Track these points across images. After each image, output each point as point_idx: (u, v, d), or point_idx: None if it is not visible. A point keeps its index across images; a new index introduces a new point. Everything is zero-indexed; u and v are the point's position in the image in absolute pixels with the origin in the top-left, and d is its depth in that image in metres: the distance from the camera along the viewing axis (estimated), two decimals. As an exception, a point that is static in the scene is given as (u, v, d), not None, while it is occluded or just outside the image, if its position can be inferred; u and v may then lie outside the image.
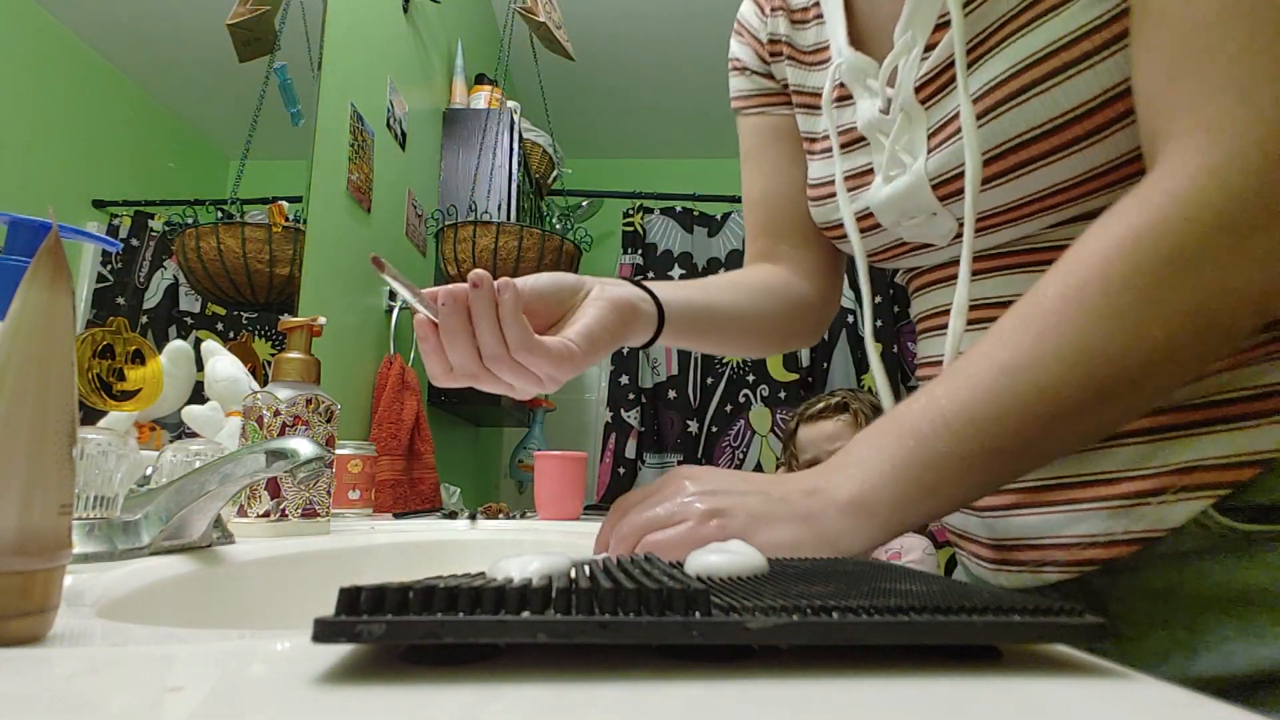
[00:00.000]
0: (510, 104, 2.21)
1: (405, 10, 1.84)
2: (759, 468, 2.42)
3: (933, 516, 0.38)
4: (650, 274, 2.58)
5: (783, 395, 2.44)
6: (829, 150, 0.55)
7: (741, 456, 2.45)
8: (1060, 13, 0.39)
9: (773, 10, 0.62)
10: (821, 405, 1.67)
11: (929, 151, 0.46)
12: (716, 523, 0.37)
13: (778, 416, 2.43)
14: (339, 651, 0.20)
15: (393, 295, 1.71)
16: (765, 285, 0.64)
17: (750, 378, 2.48)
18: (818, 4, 0.57)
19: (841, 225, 0.55)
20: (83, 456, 0.51)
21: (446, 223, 1.66)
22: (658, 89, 3.26)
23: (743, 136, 0.67)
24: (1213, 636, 0.40)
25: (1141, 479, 0.42)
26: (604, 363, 2.68)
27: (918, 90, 0.46)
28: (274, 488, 0.69)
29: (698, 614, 0.19)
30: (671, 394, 2.45)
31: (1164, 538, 0.41)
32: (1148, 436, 0.42)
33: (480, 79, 2.30)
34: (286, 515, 0.70)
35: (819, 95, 0.57)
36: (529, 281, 0.51)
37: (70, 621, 0.28)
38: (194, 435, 0.77)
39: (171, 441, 0.68)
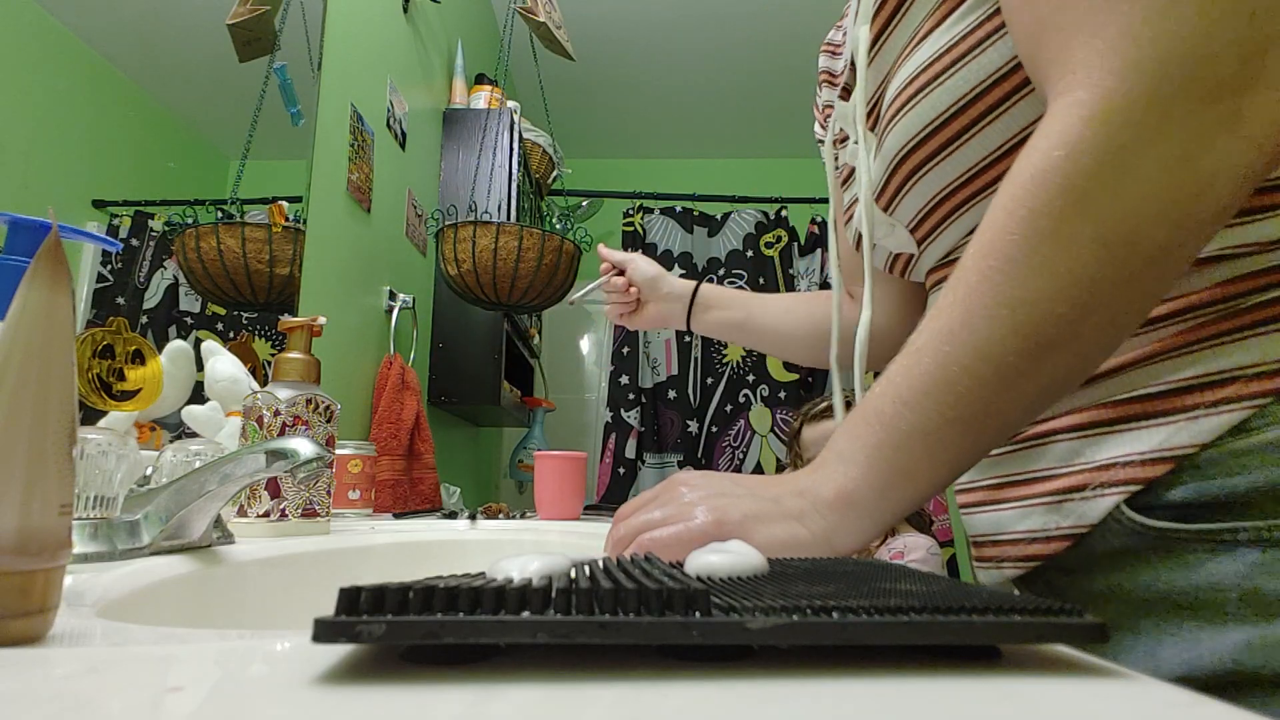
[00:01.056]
0: (510, 104, 2.21)
1: (405, 10, 1.84)
2: (759, 468, 2.42)
3: (916, 501, 0.38)
4: (650, 274, 2.58)
5: (783, 395, 2.44)
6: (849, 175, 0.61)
7: (741, 456, 2.45)
8: (940, 26, 0.43)
9: (821, 83, 0.69)
10: (825, 405, 1.67)
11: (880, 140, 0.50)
12: (714, 519, 0.38)
13: (778, 416, 2.43)
14: (339, 651, 0.20)
15: (393, 295, 1.71)
16: (812, 315, 0.79)
17: (750, 378, 2.48)
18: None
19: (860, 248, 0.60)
20: (83, 456, 0.51)
21: (446, 223, 1.66)
22: (658, 89, 3.26)
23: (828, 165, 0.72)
24: (1149, 639, 0.39)
25: (1069, 475, 0.42)
26: (604, 363, 2.69)
27: (868, 119, 0.51)
28: (274, 488, 0.69)
29: (698, 614, 0.19)
30: (671, 394, 2.45)
31: (1091, 534, 0.41)
32: (1077, 433, 0.42)
33: (480, 79, 2.30)
34: (286, 515, 0.70)
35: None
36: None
37: (70, 621, 0.28)
38: (194, 435, 0.77)
39: (171, 441, 0.68)
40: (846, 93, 0.58)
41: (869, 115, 0.51)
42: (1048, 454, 0.43)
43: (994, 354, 0.34)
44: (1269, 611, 0.34)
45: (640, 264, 0.89)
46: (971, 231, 0.45)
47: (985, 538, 0.48)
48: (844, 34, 0.62)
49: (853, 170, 0.57)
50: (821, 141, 0.69)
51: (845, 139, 0.59)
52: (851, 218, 0.59)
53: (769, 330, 0.83)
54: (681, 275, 2.55)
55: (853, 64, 0.55)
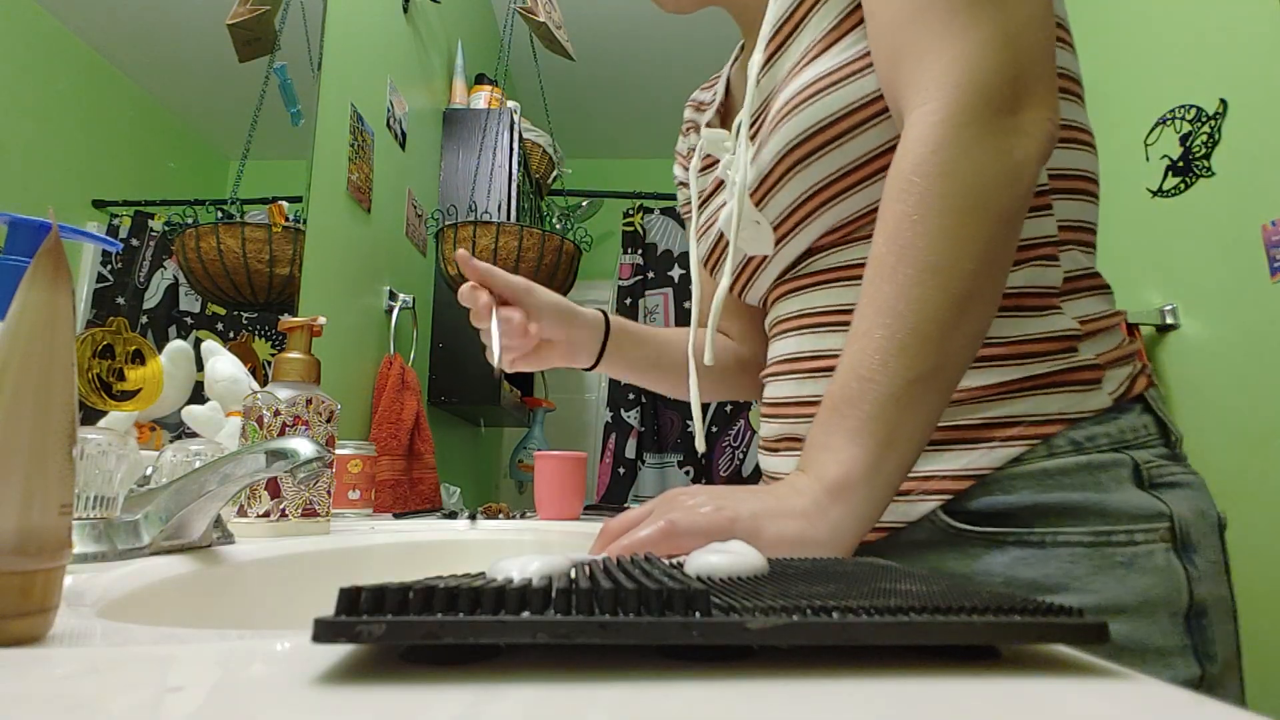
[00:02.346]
0: (510, 104, 2.22)
1: (405, 10, 1.84)
2: (758, 467, 2.42)
3: (903, 469, 0.41)
4: (650, 273, 2.58)
5: (783, 395, 2.44)
6: (707, 203, 0.68)
7: (742, 456, 2.45)
8: (826, 53, 0.52)
9: (688, 131, 0.75)
10: None
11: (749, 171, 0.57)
12: (727, 516, 0.39)
13: (778, 416, 2.42)
14: (339, 651, 0.20)
15: (393, 295, 1.71)
16: (725, 346, 0.78)
17: (750, 378, 2.48)
18: (711, 106, 0.71)
19: (716, 257, 0.66)
20: (83, 456, 0.51)
21: (446, 223, 1.66)
22: (658, 89, 3.26)
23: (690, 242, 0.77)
24: None
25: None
26: (604, 363, 2.68)
27: (750, 129, 0.58)
28: (274, 488, 0.69)
29: (698, 614, 0.19)
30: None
31: (904, 529, 0.51)
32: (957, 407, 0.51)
33: (480, 79, 2.30)
34: (286, 515, 0.70)
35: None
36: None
37: (70, 621, 0.28)
38: (194, 435, 0.77)
39: (171, 441, 0.68)
40: (721, 120, 0.69)
41: (752, 125, 0.58)
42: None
43: (931, 313, 0.41)
44: (1022, 591, 0.46)
45: (539, 291, 0.69)
46: (829, 231, 0.54)
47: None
48: (714, 93, 0.71)
49: (718, 186, 0.65)
50: (683, 184, 0.76)
51: (711, 164, 0.67)
52: (710, 228, 0.66)
53: (680, 368, 0.77)
54: (682, 275, 2.57)
55: (728, 91, 0.69)
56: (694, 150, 0.72)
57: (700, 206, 0.68)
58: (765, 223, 0.58)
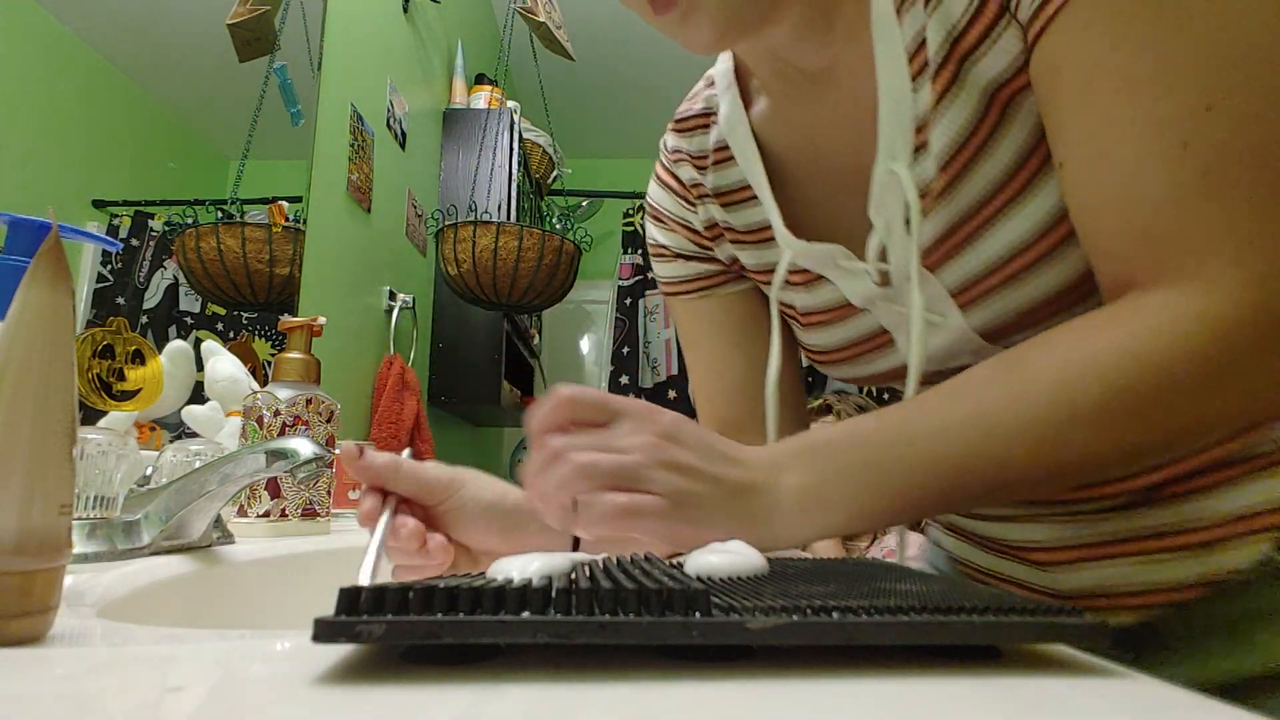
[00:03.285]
0: (510, 104, 2.22)
1: (405, 10, 1.84)
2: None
3: (834, 528, 0.38)
4: (650, 273, 2.58)
5: (783, 395, 2.44)
6: (827, 321, 0.55)
7: (741, 456, 2.45)
8: (1032, 190, 0.41)
9: (700, 198, 0.58)
10: (820, 403, 1.68)
11: (962, 309, 0.46)
12: (663, 504, 0.35)
13: (778, 416, 2.42)
14: (339, 651, 0.20)
15: (393, 295, 1.71)
16: None
17: (750, 378, 2.49)
18: (747, 187, 0.55)
19: (873, 373, 0.55)
20: (83, 456, 0.51)
21: (446, 223, 1.66)
22: (658, 89, 3.26)
23: (681, 322, 0.63)
24: (1257, 640, 0.44)
25: (1205, 530, 0.44)
26: (604, 363, 2.69)
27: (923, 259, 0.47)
28: (274, 488, 0.69)
29: (698, 614, 0.19)
30: (671, 394, 2.45)
31: (1229, 576, 0.44)
32: (1202, 493, 0.44)
33: (480, 79, 2.30)
34: (286, 515, 0.70)
35: (765, 229, 0.55)
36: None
37: (70, 621, 0.28)
38: (194, 435, 0.77)
39: (171, 441, 0.68)
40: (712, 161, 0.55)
41: (930, 253, 0.46)
42: (1175, 511, 0.45)
43: (1020, 475, 0.36)
44: None
45: (471, 489, 0.46)
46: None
47: (1093, 591, 0.49)
48: (705, 143, 0.57)
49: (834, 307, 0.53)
50: (682, 256, 0.60)
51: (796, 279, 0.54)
52: (829, 324, 0.54)
53: None
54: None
55: (753, 137, 0.52)
56: (698, 186, 0.58)
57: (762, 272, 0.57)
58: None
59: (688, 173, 0.58)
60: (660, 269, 0.62)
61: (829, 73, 0.47)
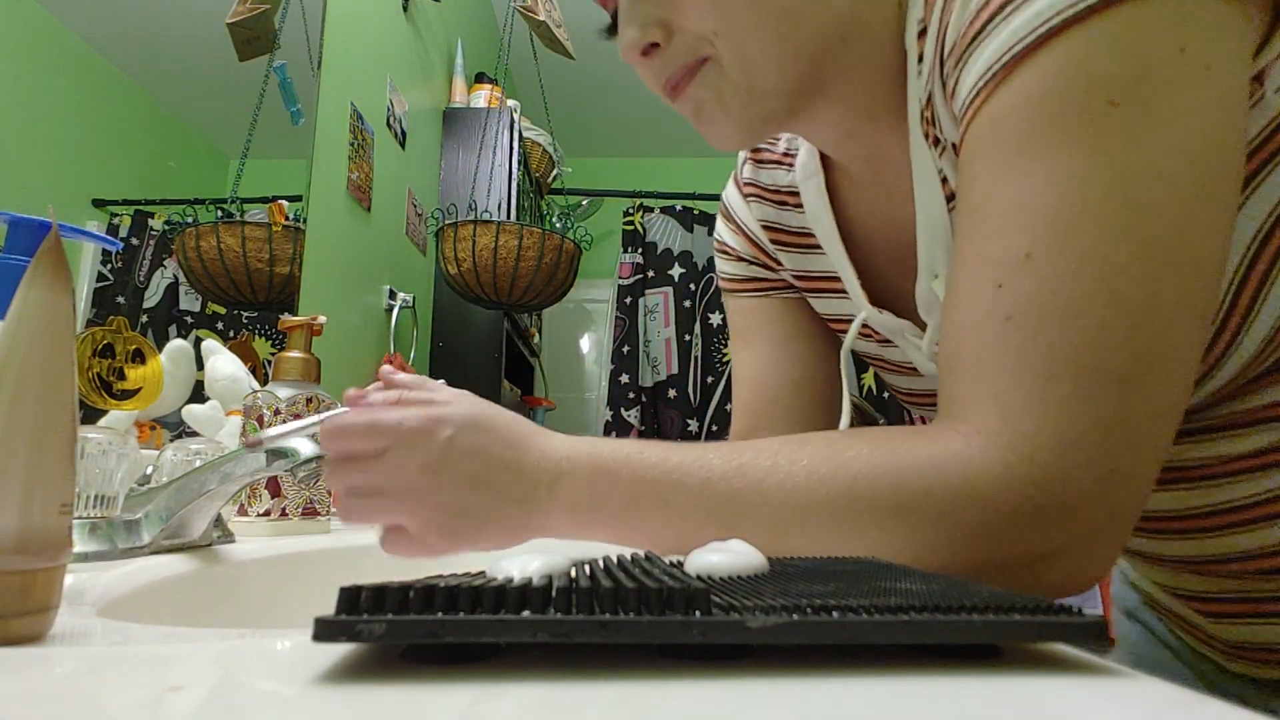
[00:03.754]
0: (510, 103, 2.21)
1: (405, 9, 1.84)
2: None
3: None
4: (650, 272, 2.58)
5: (783, 394, 2.44)
6: (902, 372, 0.57)
7: (742, 455, 2.44)
8: None
9: (748, 197, 0.59)
10: None
11: None
12: (425, 532, 0.39)
13: (778, 415, 2.42)
14: (339, 651, 0.20)
15: (393, 294, 1.71)
16: None
17: (750, 377, 2.48)
18: (794, 190, 0.56)
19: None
20: (83, 456, 0.51)
21: (446, 222, 1.66)
22: (658, 88, 3.26)
23: (732, 315, 0.64)
24: None
25: None
26: (604, 362, 2.69)
27: None
28: (274, 487, 0.69)
29: (698, 613, 0.19)
30: (672, 393, 2.45)
31: None
32: None
33: (480, 78, 2.30)
34: (287, 514, 0.70)
35: (830, 279, 0.57)
36: None
37: (71, 621, 0.28)
38: (194, 434, 0.77)
39: (172, 440, 0.68)
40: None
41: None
42: None
43: (750, 526, 0.36)
44: None
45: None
46: None
47: (1269, 645, 0.49)
48: (791, 158, 0.57)
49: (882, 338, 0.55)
50: (762, 263, 0.60)
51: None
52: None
53: None
54: (682, 274, 2.57)
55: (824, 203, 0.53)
56: (778, 229, 0.59)
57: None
58: None
59: (757, 208, 0.59)
60: (722, 265, 0.63)
61: (883, 153, 0.47)
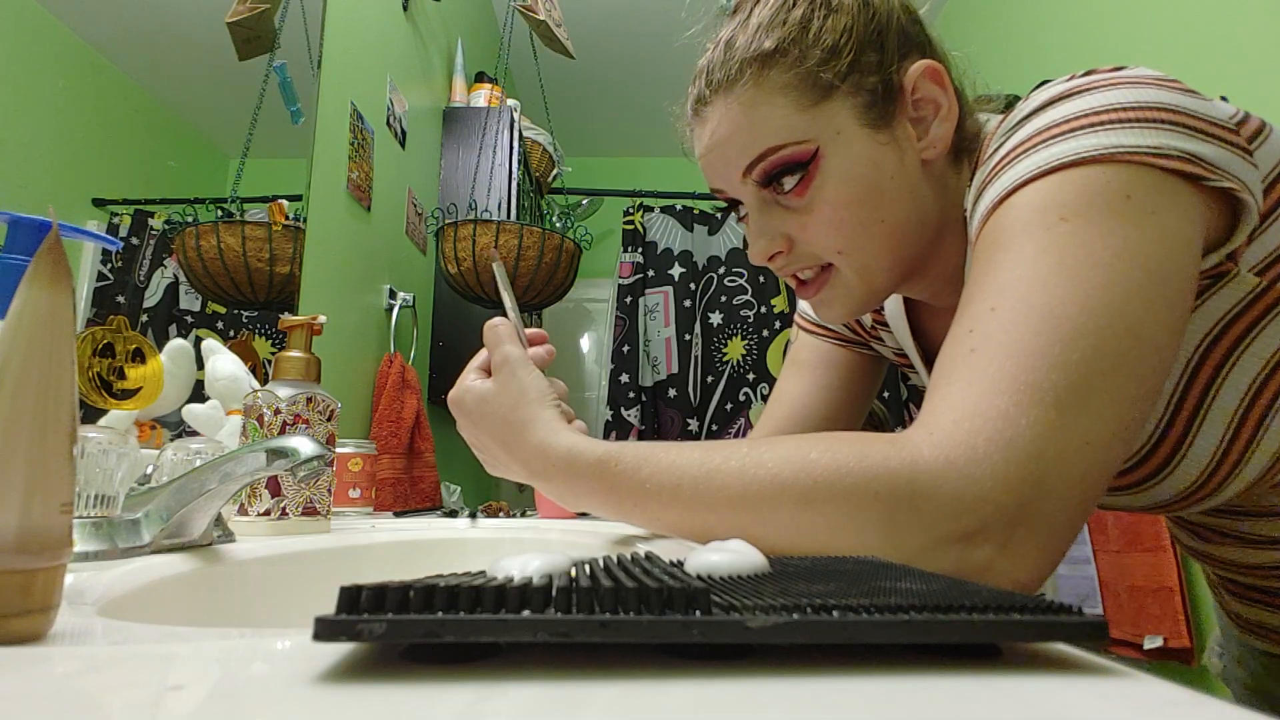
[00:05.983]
0: (510, 102, 2.21)
1: (405, 8, 1.84)
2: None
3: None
4: (651, 272, 2.58)
5: (783, 394, 2.43)
6: None
7: (742, 455, 2.44)
8: None
9: None
10: None
11: None
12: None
13: (778, 415, 2.42)
14: (339, 650, 0.20)
15: (393, 294, 1.71)
16: None
17: (751, 376, 2.48)
18: (885, 323, 0.69)
19: None
20: (83, 455, 0.51)
21: (446, 221, 1.66)
22: (658, 87, 3.26)
23: (798, 349, 0.74)
24: None
25: None
26: (604, 361, 2.69)
27: None
28: (274, 486, 0.69)
29: (698, 613, 0.19)
30: (672, 392, 2.45)
31: None
32: None
33: (480, 77, 2.30)
34: (287, 514, 0.70)
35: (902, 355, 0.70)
36: None
37: (71, 620, 0.28)
38: (194, 434, 0.77)
39: (172, 440, 0.68)
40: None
41: None
42: None
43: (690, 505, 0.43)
44: None
45: None
46: None
47: None
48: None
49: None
50: (852, 342, 0.72)
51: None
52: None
53: None
54: (682, 274, 2.57)
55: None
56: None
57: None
58: None
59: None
60: (804, 306, 0.75)
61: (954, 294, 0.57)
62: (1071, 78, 0.44)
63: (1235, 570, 0.56)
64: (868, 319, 0.71)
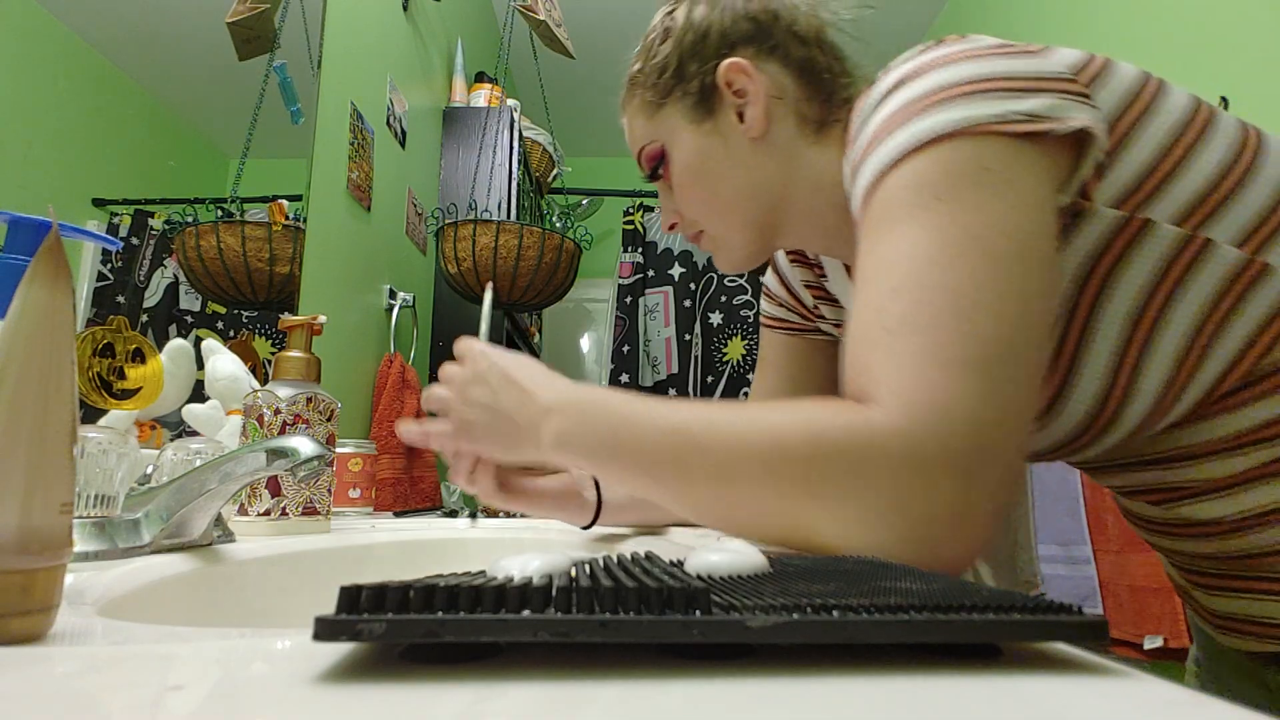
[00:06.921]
0: (510, 102, 2.21)
1: (405, 8, 1.84)
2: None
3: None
4: (651, 272, 2.58)
5: (783, 393, 2.43)
6: None
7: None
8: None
9: (793, 261, 0.77)
10: None
11: None
12: (450, 429, 0.59)
13: (778, 415, 2.42)
14: (339, 650, 0.20)
15: (393, 294, 1.71)
16: None
17: (751, 376, 2.48)
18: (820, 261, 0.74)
19: None
20: (83, 455, 0.51)
21: (446, 221, 1.66)
22: (658, 87, 3.26)
23: (762, 348, 0.80)
24: None
25: None
26: (604, 361, 2.69)
27: None
28: (274, 486, 0.69)
29: (698, 612, 0.19)
30: (672, 392, 2.45)
31: None
32: None
33: (480, 77, 2.30)
34: (287, 514, 0.70)
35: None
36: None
37: (71, 620, 0.28)
38: (194, 434, 0.77)
39: (172, 440, 0.68)
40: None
41: None
42: None
43: (698, 470, 0.45)
44: None
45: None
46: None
47: (1245, 618, 0.55)
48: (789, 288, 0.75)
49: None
50: (803, 329, 0.76)
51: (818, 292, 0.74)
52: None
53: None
54: (682, 274, 2.57)
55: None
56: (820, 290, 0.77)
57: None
58: None
59: (800, 271, 0.76)
60: (765, 306, 0.80)
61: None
62: (924, 50, 0.49)
63: (1201, 561, 0.58)
64: (809, 299, 0.76)
